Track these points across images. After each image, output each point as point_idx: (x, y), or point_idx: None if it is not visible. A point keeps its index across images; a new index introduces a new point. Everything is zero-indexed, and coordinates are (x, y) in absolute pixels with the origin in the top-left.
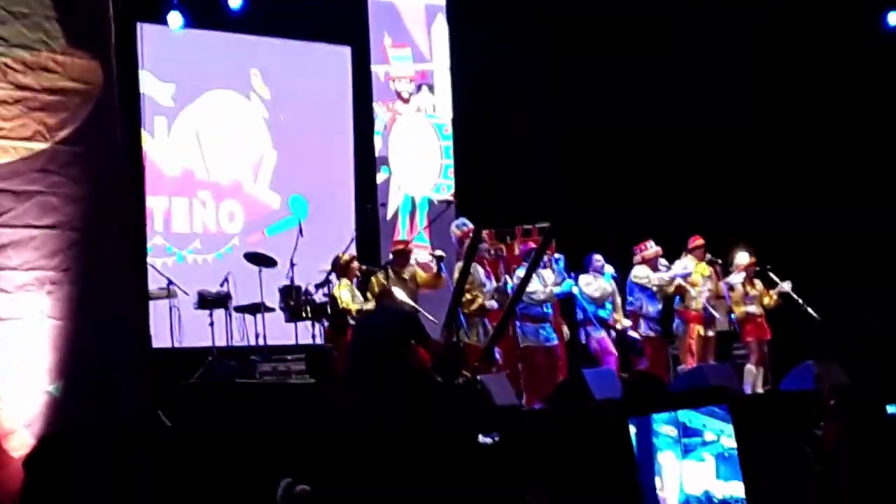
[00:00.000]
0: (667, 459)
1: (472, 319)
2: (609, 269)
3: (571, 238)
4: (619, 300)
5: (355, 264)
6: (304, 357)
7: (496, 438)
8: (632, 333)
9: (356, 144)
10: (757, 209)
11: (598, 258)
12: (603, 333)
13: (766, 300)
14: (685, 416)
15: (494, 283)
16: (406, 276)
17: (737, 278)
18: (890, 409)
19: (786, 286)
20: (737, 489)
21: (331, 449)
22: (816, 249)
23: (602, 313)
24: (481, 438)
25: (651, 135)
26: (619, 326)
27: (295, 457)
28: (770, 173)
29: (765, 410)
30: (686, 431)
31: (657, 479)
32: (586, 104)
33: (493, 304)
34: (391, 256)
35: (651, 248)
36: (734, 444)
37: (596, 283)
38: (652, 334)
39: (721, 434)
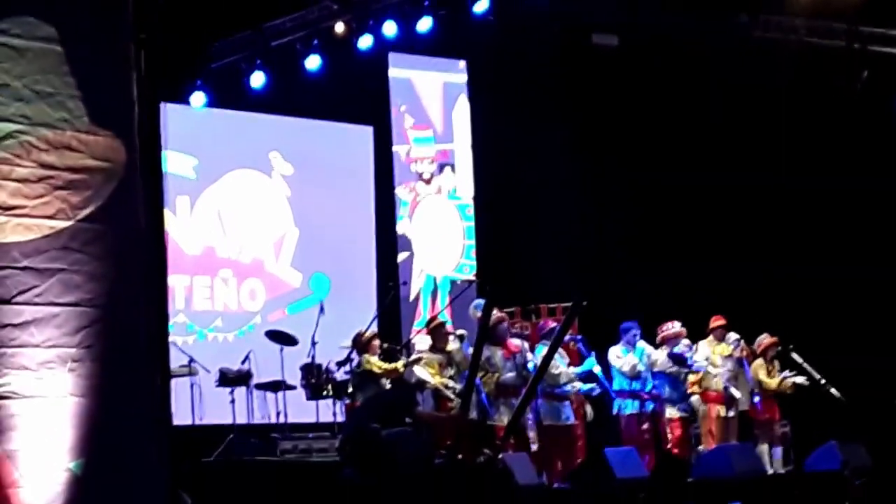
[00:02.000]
0: None
1: (496, 399)
2: (644, 347)
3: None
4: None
5: (376, 342)
6: (326, 435)
7: None
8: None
9: (377, 224)
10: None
11: (635, 332)
12: (632, 410)
13: (778, 383)
14: None
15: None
16: (451, 350)
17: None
18: None
19: (799, 380)
20: None
21: None
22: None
23: (635, 386)
24: None
25: (677, 207)
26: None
27: None
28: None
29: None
30: None
31: None
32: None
33: (509, 376)
34: (429, 336)
35: (671, 328)
36: None
37: (627, 357)
38: (677, 415)
39: None
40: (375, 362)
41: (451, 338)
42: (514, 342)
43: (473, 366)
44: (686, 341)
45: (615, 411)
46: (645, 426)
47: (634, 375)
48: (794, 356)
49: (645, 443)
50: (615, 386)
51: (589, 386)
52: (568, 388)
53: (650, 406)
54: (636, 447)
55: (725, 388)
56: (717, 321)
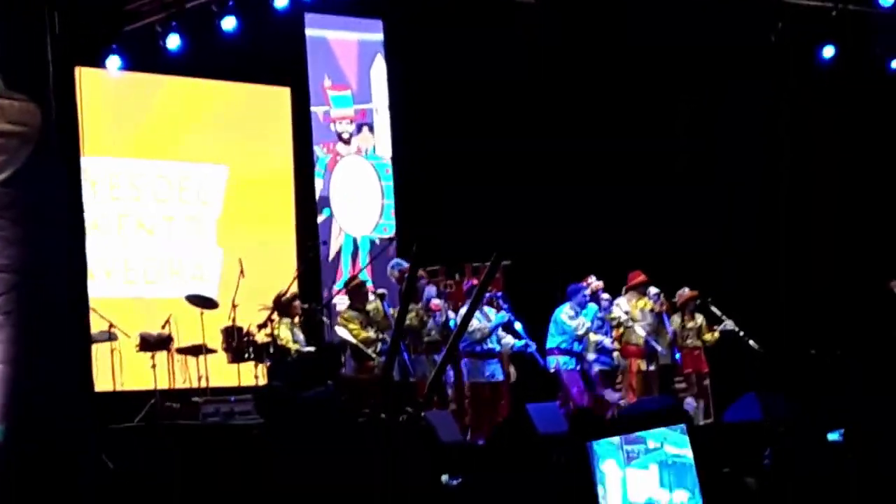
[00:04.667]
0: (609, 467)
1: (416, 357)
2: (594, 306)
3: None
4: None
5: (297, 303)
6: (248, 398)
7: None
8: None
9: (296, 185)
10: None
11: (585, 293)
12: (573, 366)
13: (708, 336)
14: None
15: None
16: (370, 309)
17: (622, 301)
18: (831, 436)
19: (729, 324)
20: (681, 497)
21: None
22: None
23: (576, 347)
24: (444, 480)
25: (592, 163)
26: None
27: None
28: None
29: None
30: (628, 439)
31: (600, 488)
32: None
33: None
34: (347, 297)
35: (591, 283)
36: (678, 452)
37: (579, 319)
38: (598, 368)
39: (664, 441)
40: (287, 339)
41: (370, 297)
42: (436, 301)
43: (399, 324)
44: (605, 295)
45: (552, 368)
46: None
47: (581, 337)
48: (713, 309)
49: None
50: (550, 343)
51: (521, 343)
52: (494, 345)
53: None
54: (581, 401)
55: (646, 342)
56: (637, 277)
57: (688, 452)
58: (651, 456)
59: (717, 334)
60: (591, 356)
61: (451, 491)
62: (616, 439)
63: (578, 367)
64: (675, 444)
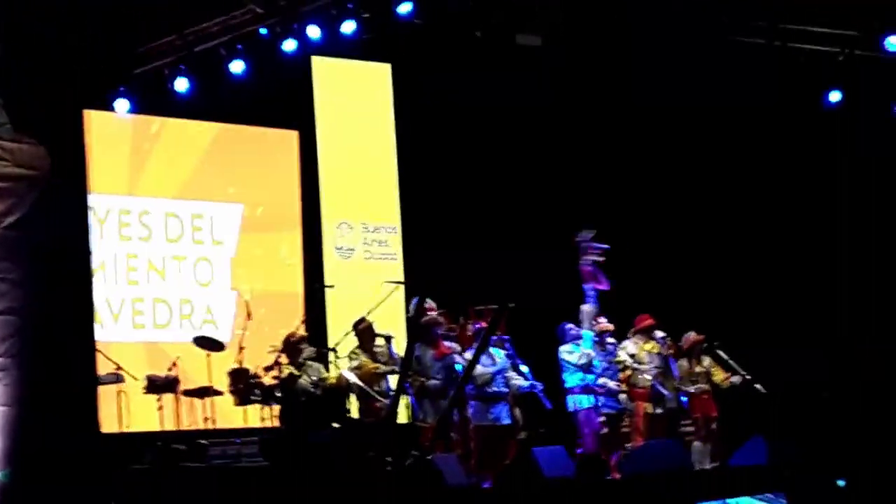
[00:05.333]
0: None
1: (422, 400)
2: (590, 332)
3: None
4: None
5: (304, 345)
6: (254, 440)
7: None
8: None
9: (304, 227)
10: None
11: (570, 326)
12: (588, 405)
13: (718, 377)
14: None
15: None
16: (377, 351)
17: (629, 344)
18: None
19: (735, 380)
20: None
21: None
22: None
23: (589, 379)
24: None
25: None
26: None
27: None
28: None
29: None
30: None
31: None
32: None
33: (434, 383)
34: (356, 338)
35: (601, 323)
36: None
37: (579, 351)
38: (612, 412)
39: None
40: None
41: (378, 339)
42: (447, 344)
43: (405, 366)
44: (611, 339)
45: (570, 408)
46: (601, 419)
47: (588, 365)
48: (720, 353)
49: (604, 437)
50: (567, 384)
51: (527, 384)
52: (502, 388)
53: (602, 400)
54: (597, 441)
55: (653, 386)
56: (644, 321)
57: None
58: None
59: (730, 379)
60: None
61: None
62: None
63: (594, 405)
64: None
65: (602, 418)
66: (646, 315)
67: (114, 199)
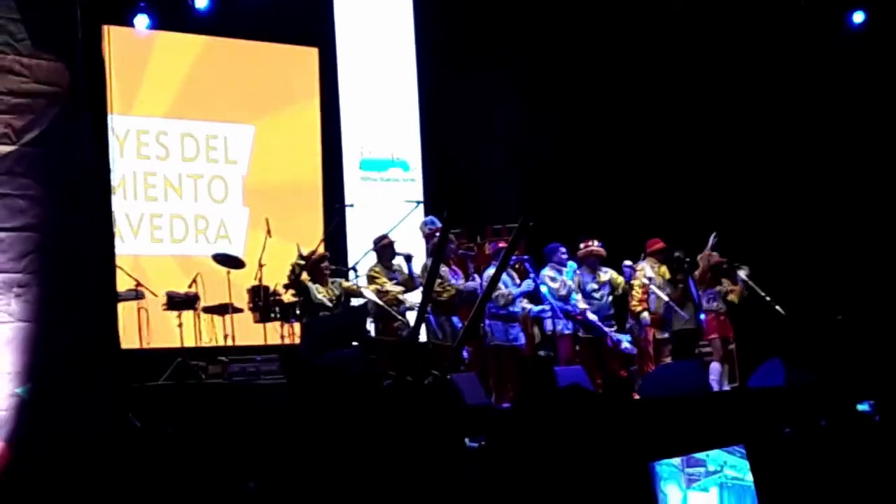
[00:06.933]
0: (671, 490)
1: (440, 319)
2: (572, 264)
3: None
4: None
5: (325, 263)
6: (274, 357)
7: (482, 443)
8: (591, 316)
9: (324, 146)
10: (721, 207)
11: (563, 251)
12: (566, 330)
13: (732, 297)
14: None
15: (462, 281)
16: (396, 269)
17: (646, 266)
18: (860, 406)
19: (742, 273)
20: None
21: (305, 454)
22: (781, 244)
23: (567, 306)
24: (468, 443)
25: (622, 133)
26: (589, 317)
27: (266, 460)
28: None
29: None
30: (689, 462)
31: None
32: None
33: (469, 284)
34: (375, 254)
35: (588, 246)
36: (738, 475)
37: (560, 279)
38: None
39: (724, 465)
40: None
41: (398, 257)
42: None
43: (429, 284)
44: (627, 262)
45: (548, 330)
46: (577, 347)
47: (567, 297)
48: (739, 273)
49: (582, 363)
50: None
51: (539, 307)
52: (517, 308)
53: (580, 326)
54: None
55: (666, 309)
56: (656, 244)
57: (748, 475)
58: (711, 479)
59: (740, 288)
60: (584, 306)
61: (473, 453)
62: (677, 461)
63: (569, 331)
64: (734, 467)
65: (578, 346)
66: (656, 239)
67: (132, 120)
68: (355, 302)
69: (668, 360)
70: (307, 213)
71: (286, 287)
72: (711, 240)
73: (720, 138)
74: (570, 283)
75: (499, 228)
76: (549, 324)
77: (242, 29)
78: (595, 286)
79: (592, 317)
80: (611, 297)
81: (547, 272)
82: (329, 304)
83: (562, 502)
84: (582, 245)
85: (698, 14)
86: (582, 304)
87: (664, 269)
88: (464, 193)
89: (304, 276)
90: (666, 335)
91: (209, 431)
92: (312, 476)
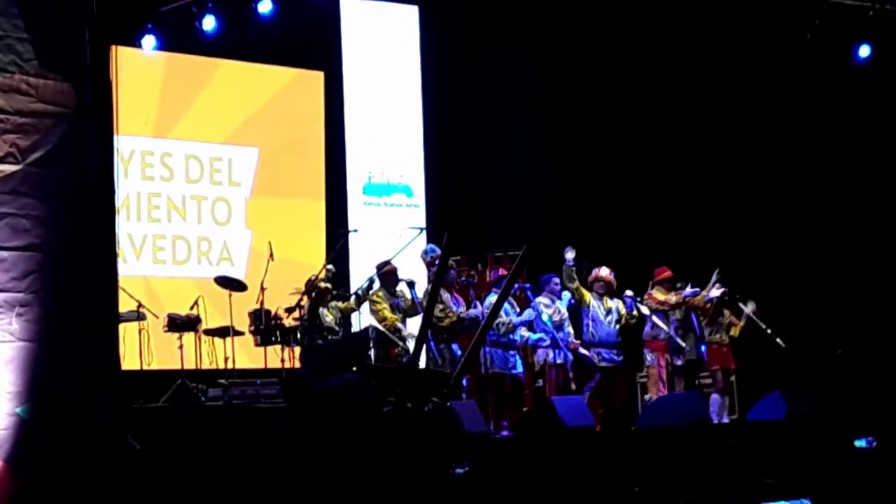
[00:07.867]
0: None
1: (440, 346)
2: (566, 294)
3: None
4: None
5: (329, 286)
6: (274, 381)
7: (467, 468)
8: (583, 351)
9: (328, 171)
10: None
11: (556, 281)
12: (560, 360)
13: (733, 331)
14: None
15: (463, 309)
16: (399, 295)
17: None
18: (858, 443)
19: (748, 308)
20: None
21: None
22: (784, 278)
23: (560, 336)
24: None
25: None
26: (581, 350)
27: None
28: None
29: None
30: None
31: None
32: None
33: (471, 312)
34: (377, 280)
35: (598, 272)
36: None
37: (554, 307)
38: (608, 364)
39: None
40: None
41: (401, 283)
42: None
43: (429, 310)
44: (629, 292)
45: (540, 360)
46: (569, 376)
47: (560, 324)
48: (741, 305)
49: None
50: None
51: (538, 336)
52: (516, 337)
53: (571, 356)
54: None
55: (671, 338)
56: (664, 272)
57: None
58: None
59: (742, 323)
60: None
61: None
62: None
63: (562, 360)
64: None
65: (570, 374)
66: (664, 267)
67: (137, 141)
68: (356, 325)
69: (680, 389)
70: (310, 236)
71: (288, 311)
72: (714, 276)
73: (726, 171)
74: (564, 311)
75: (500, 256)
76: (540, 354)
77: (249, 51)
78: (602, 312)
79: (584, 352)
80: (618, 326)
81: (542, 300)
82: (336, 328)
83: None
84: (594, 271)
85: (705, 47)
86: (573, 339)
87: (672, 295)
88: (464, 220)
89: (306, 300)
90: (679, 363)
91: (209, 454)
92: (311, 498)
